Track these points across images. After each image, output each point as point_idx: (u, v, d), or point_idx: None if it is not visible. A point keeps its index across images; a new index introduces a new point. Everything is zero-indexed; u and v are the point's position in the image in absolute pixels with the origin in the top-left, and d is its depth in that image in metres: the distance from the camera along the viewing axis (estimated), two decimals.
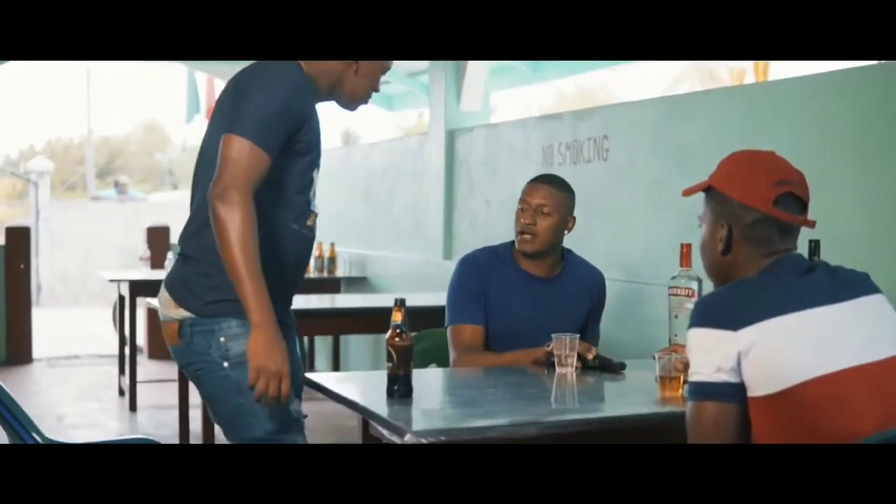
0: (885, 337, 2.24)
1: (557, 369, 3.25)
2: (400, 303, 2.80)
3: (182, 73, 13.47)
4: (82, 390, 8.16)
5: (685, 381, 2.78)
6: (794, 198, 2.32)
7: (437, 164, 6.94)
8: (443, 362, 3.94)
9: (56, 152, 40.11)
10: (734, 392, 2.19)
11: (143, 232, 10.18)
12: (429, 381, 3.22)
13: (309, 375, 3.13)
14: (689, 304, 3.32)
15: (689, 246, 3.37)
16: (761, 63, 4.16)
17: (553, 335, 3.29)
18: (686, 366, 2.80)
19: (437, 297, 5.86)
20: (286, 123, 2.69)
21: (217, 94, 12.06)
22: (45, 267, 15.89)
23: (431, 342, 4.06)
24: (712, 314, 2.23)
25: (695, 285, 3.33)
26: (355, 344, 8.09)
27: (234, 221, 2.55)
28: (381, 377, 2.83)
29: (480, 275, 3.63)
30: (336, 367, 7.85)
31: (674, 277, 3.36)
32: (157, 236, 9.92)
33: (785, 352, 2.17)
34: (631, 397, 3.04)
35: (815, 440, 2.11)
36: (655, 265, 4.75)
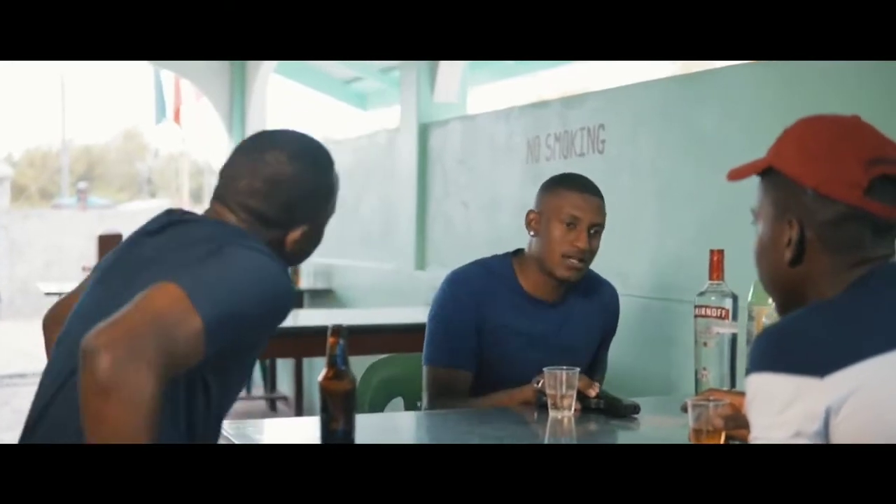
0: None
1: (552, 413, 2.51)
2: (337, 330, 2.05)
3: (149, 78, 12.96)
4: (22, 414, 7.41)
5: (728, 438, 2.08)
6: (892, 182, 1.57)
7: (408, 161, 6.20)
8: (411, 395, 3.19)
9: (35, 161, 40.24)
10: None
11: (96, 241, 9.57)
12: (387, 431, 2.46)
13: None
14: (721, 328, 2.59)
15: (720, 253, 2.64)
16: None
17: (545, 370, 2.54)
18: (729, 419, 2.08)
19: (407, 313, 5.26)
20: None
21: (184, 96, 11.54)
22: (4, 277, 15.45)
23: (396, 370, 3.30)
24: (788, 354, 1.48)
25: (729, 304, 2.60)
26: (320, 366, 7.34)
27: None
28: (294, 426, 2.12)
29: (475, 302, 2.83)
30: (299, 390, 7.13)
31: (701, 294, 2.62)
32: (109, 245, 9.22)
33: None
34: None
35: None
36: (665, 276, 3.99)
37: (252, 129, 9.41)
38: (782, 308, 1.70)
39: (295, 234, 1.99)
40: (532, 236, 2.87)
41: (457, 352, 2.82)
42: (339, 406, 2.06)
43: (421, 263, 6.09)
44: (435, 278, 5.72)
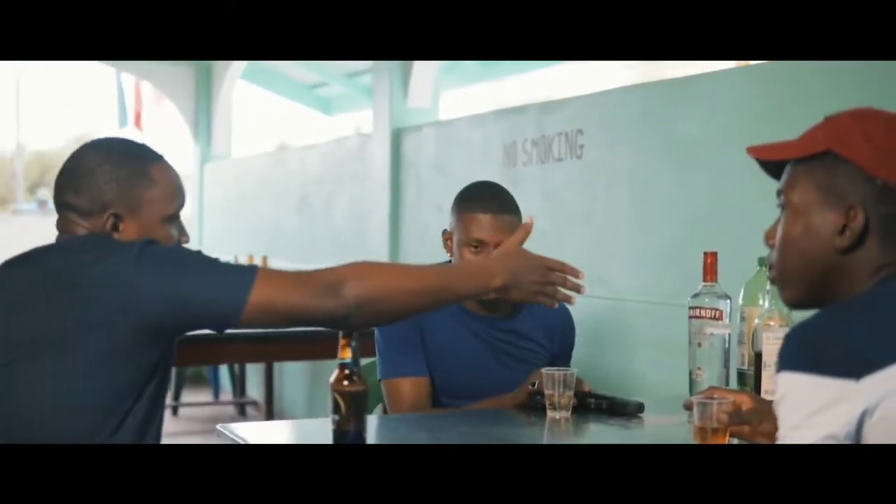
0: None
1: (549, 413, 2.54)
2: (349, 336, 2.07)
3: (112, 81, 12.80)
4: None
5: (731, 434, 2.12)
6: None
7: (381, 166, 6.20)
8: None
9: None
10: None
11: None
12: (384, 434, 2.48)
13: (229, 428, 2.41)
14: (715, 329, 2.64)
15: (713, 255, 2.69)
16: None
17: (544, 370, 2.57)
18: (733, 416, 2.13)
19: None
20: None
21: (144, 99, 11.45)
22: None
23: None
24: (821, 354, 1.48)
25: (723, 305, 2.64)
26: (292, 370, 7.35)
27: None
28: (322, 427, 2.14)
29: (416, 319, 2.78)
30: (270, 396, 7.11)
31: (695, 295, 2.67)
32: None
33: None
34: None
35: None
36: (645, 280, 4.04)
37: (218, 134, 9.38)
38: (801, 298, 1.69)
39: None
40: (449, 257, 2.88)
41: (409, 360, 2.81)
42: (350, 407, 2.08)
43: None
44: None
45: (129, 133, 12.24)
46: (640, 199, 4.11)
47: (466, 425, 2.52)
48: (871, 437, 1.45)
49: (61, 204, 2.03)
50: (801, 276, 1.67)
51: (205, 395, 8.12)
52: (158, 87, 9.75)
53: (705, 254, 2.69)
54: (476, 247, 2.74)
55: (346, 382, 2.08)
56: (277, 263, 7.39)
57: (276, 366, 7.26)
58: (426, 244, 5.80)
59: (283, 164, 8.00)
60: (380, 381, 2.87)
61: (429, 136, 5.84)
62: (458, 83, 7.61)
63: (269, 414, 7.04)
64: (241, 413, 7.73)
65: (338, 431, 2.09)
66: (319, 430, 2.24)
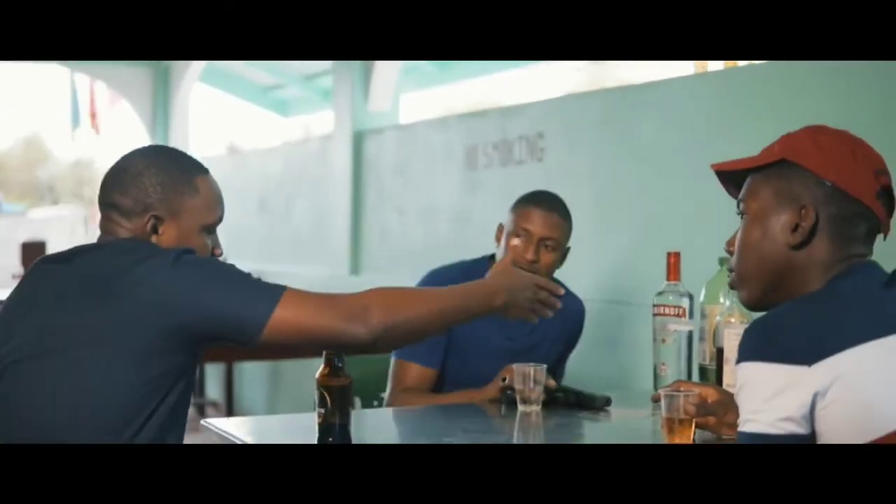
0: None
1: (520, 408, 2.64)
2: None
3: (65, 82, 12.74)
4: None
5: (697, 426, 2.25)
6: (888, 195, 1.76)
7: (342, 169, 6.29)
8: (368, 395, 3.30)
9: None
10: None
11: (18, 248, 9.46)
12: (364, 426, 2.57)
13: (214, 423, 2.49)
14: (678, 326, 2.77)
15: (676, 255, 2.81)
16: None
17: (514, 366, 2.68)
18: (699, 408, 2.25)
19: None
20: None
21: (98, 100, 11.40)
22: None
23: (355, 372, 3.40)
24: (776, 344, 1.63)
25: (685, 303, 2.77)
26: (250, 371, 7.41)
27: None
28: (291, 422, 2.23)
29: None
30: (229, 397, 7.16)
31: (660, 294, 2.80)
32: (32, 252, 9.21)
33: (877, 390, 1.60)
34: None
35: None
36: (604, 280, 4.17)
37: (175, 136, 9.41)
38: (759, 298, 1.83)
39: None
40: (496, 247, 3.02)
41: (428, 349, 2.95)
42: (336, 401, 2.17)
43: (355, 268, 6.19)
44: (370, 283, 5.84)
45: (84, 133, 12.19)
46: (601, 202, 4.23)
47: (444, 419, 2.62)
48: (823, 417, 1.60)
49: (106, 203, 2.08)
50: (757, 277, 1.81)
51: None
52: (115, 88, 9.76)
53: (669, 254, 2.81)
54: (521, 235, 2.94)
55: (331, 377, 2.17)
56: (238, 264, 7.41)
57: (236, 366, 7.31)
58: (387, 245, 5.91)
59: (244, 166, 8.06)
60: (393, 357, 3.00)
61: (390, 139, 5.94)
62: (415, 86, 7.71)
63: (230, 414, 7.08)
64: (201, 414, 7.75)
65: (323, 424, 2.18)
66: (306, 425, 2.32)
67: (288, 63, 8.87)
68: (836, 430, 1.60)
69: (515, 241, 2.94)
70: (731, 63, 3.91)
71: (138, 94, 9.54)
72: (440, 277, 3.01)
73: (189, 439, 2.02)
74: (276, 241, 7.26)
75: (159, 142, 9.43)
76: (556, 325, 3.06)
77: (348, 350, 2.08)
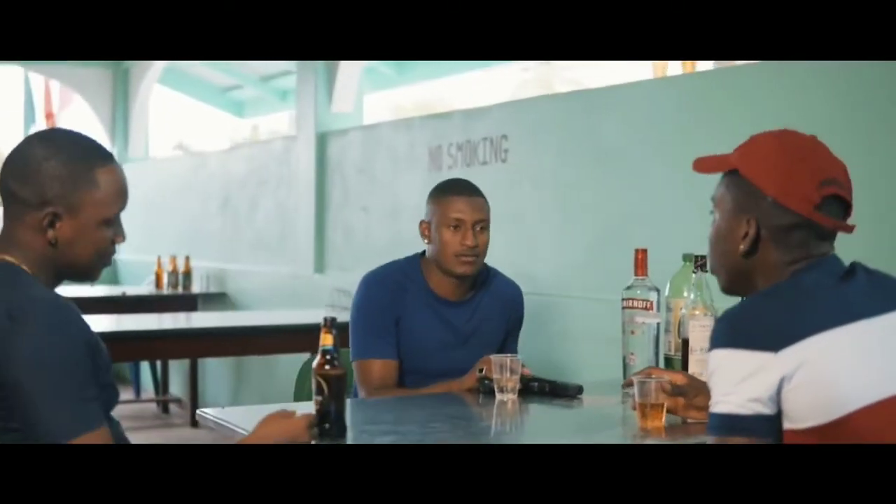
0: None
1: (498, 396, 2.79)
2: (330, 322, 2.31)
3: (18, 80, 12.68)
4: None
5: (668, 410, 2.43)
6: (838, 200, 1.92)
7: (306, 169, 6.42)
8: (347, 388, 3.44)
9: None
10: (769, 426, 1.79)
11: None
12: (355, 416, 2.70)
13: (206, 412, 2.62)
14: (644, 318, 2.93)
15: (644, 252, 2.98)
16: None
17: (492, 357, 2.84)
18: (672, 392, 2.42)
19: (308, 315, 5.44)
20: None
21: (55, 99, 11.30)
22: None
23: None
24: (745, 332, 1.81)
25: (653, 296, 2.94)
26: (214, 368, 7.50)
27: None
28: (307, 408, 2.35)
29: (391, 299, 3.11)
30: (194, 393, 7.26)
31: (629, 287, 2.96)
32: None
33: (838, 373, 1.77)
34: (604, 429, 2.59)
35: None
36: (566, 277, 4.34)
37: (135, 136, 9.48)
38: (728, 288, 2.02)
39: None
40: (427, 244, 3.16)
41: (379, 343, 3.08)
42: (332, 390, 2.30)
43: (319, 267, 6.32)
44: (335, 281, 5.98)
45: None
46: (564, 201, 4.40)
47: (429, 407, 2.76)
48: (789, 399, 1.78)
49: (5, 191, 2.05)
50: (724, 272, 2.01)
51: (126, 394, 8.20)
52: (75, 88, 9.77)
53: (636, 250, 2.96)
54: (456, 225, 3.07)
55: (328, 367, 2.31)
56: (201, 263, 7.56)
57: (199, 362, 7.40)
58: (351, 241, 6.04)
59: (205, 167, 8.14)
60: (352, 361, 3.11)
61: (354, 140, 6.07)
62: (372, 87, 7.81)
63: (194, 412, 7.17)
64: (165, 411, 7.84)
65: (320, 411, 2.32)
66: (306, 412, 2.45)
67: (245, 64, 8.95)
68: (800, 410, 1.78)
69: (450, 232, 3.08)
70: (689, 68, 4.09)
71: (98, 94, 9.58)
72: (377, 278, 3.17)
73: (187, 433, 2.14)
74: (239, 241, 7.36)
75: (120, 143, 9.49)
76: (495, 310, 3.23)
77: None
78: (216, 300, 7.43)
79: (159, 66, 9.06)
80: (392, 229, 5.64)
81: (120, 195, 2.10)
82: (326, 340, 2.31)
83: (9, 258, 2.01)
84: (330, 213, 6.27)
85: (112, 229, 2.09)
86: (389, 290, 3.12)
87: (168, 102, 11.37)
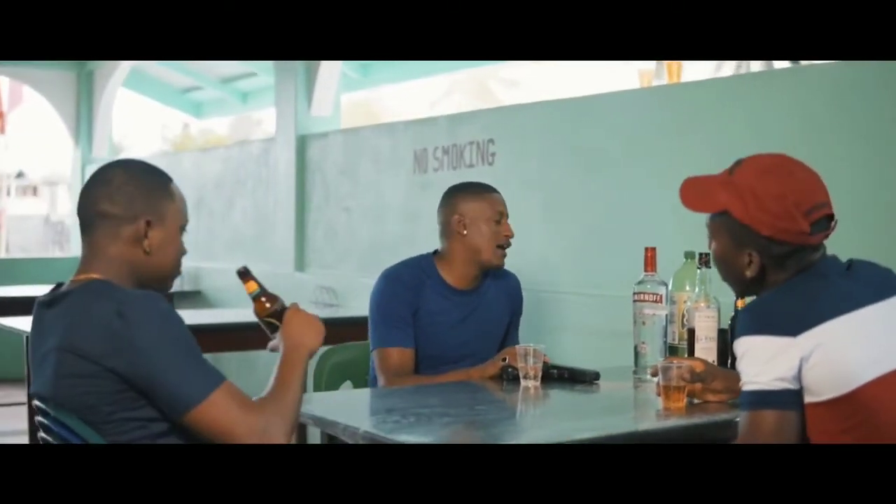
0: None
1: (522, 382, 3.04)
2: (245, 271, 2.48)
3: None
4: None
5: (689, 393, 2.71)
6: (827, 217, 2.24)
7: (286, 171, 6.61)
8: (358, 381, 3.67)
9: None
10: (794, 399, 2.11)
11: None
12: (381, 404, 2.92)
13: None
14: (653, 310, 3.19)
15: (653, 250, 3.24)
16: (674, 64, 4.08)
17: (517, 347, 3.10)
18: (693, 377, 2.69)
19: None
20: None
21: (4, 98, 11.22)
22: None
23: (344, 356, 3.76)
24: (768, 321, 2.14)
25: (662, 290, 3.20)
26: None
27: None
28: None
29: (410, 293, 3.38)
30: None
31: (640, 282, 3.22)
32: None
33: (848, 353, 2.11)
34: (625, 411, 2.86)
35: (880, 441, 2.08)
36: (553, 274, 4.61)
37: (99, 139, 9.56)
38: (742, 294, 2.44)
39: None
40: (452, 240, 3.41)
41: (401, 333, 3.34)
42: (281, 322, 2.39)
43: (300, 265, 6.52)
44: (318, 279, 6.19)
45: None
46: (550, 203, 4.67)
47: (457, 393, 3.00)
48: (808, 376, 2.10)
49: (94, 213, 2.28)
50: (736, 286, 2.37)
51: None
52: (38, 90, 9.81)
53: (646, 248, 3.22)
54: (499, 219, 3.41)
55: (268, 305, 2.42)
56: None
57: None
58: (333, 240, 6.25)
59: (178, 167, 8.28)
60: (371, 350, 3.36)
61: (335, 143, 6.28)
62: (348, 89, 7.97)
63: None
64: None
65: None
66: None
67: (204, 65, 9.07)
68: (818, 385, 2.10)
69: (494, 226, 3.39)
70: (674, 78, 4.36)
71: (61, 95, 9.65)
72: (395, 273, 3.42)
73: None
74: (215, 240, 7.53)
75: (84, 143, 9.59)
76: (500, 296, 3.54)
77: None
78: (191, 298, 7.58)
79: (125, 67, 9.16)
80: (376, 229, 5.86)
81: (186, 206, 2.40)
82: (251, 287, 2.43)
83: (94, 275, 2.24)
84: (311, 213, 6.46)
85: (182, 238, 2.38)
86: (407, 284, 3.38)
87: (130, 103, 11.45)
